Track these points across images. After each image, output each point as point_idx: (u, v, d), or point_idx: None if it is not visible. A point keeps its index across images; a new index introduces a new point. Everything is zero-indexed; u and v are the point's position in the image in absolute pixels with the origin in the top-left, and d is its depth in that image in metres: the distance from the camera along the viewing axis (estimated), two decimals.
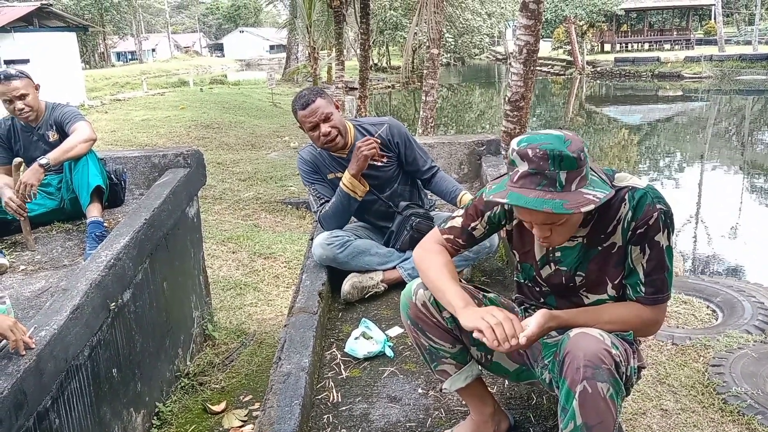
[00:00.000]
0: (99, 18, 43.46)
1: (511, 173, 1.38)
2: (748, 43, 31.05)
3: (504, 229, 1.66)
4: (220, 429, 2.82)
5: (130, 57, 61.13)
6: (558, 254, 1.55)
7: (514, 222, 1.62)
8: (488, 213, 1.62)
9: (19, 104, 2.96)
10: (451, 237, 1.66)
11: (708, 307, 4.56)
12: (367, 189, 2.63)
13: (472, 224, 1.64)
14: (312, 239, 2.72)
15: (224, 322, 3.84)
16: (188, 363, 3.25)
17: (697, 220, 8.65)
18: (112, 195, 3.16)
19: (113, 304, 2.39)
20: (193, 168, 3.41)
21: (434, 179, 2.82)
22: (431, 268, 1.60)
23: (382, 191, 2.74)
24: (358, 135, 2.70)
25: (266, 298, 4.34)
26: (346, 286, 2.51)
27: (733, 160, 12.92)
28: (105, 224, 2.91)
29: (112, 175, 3.16)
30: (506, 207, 1.58)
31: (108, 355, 2.42)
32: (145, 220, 2.72)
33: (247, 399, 3.05)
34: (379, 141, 2.55)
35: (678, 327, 4.17)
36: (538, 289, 1.65)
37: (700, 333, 3.96)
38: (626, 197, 1.45)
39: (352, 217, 2.87)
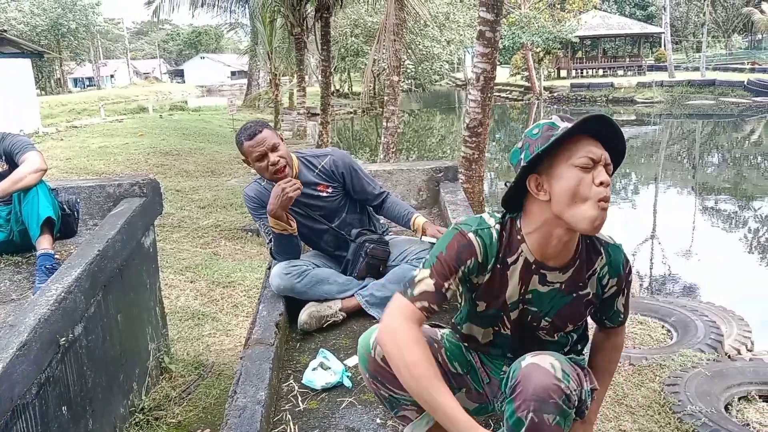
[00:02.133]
0: (56, 44, 42.83)
1: (549, 133, 1.47)
2: (697, 69, 32.29)
3: (472, 283, 1.52)
4: None
5: (87, 83, 60.24)
6: (530, 296, 1.51)
7: (487, 274, 1.50)
8: (462, 268, 1.46)
9: None
10: (426, 305, 1.43)
11: (663, 326, 4.67)
12: (294, 226, 2.61)
13: (446, 284, 1.44)
14: (270, 268, 2.69)
15: (182, 353, 3.76)
16: (143, 397, 3.16)
17: (653, 242, 8.87)
18: (64, 226, 3.08)
19: (63, 339, 2.32)
20: (150, 197, 3.35)
21: (385, 204, 2.81)
22: (412, 367, 1.36)
23: (331, 221, 2.74)
24: (302, 167, 2.71)
25: (225, 328, 4.27)
26: (304, 315, 2.49)
27: (685, 182, 13.35)
28: (56, 256, 2.84)
29: (65, 206, 3.08)
30: (479, 258, 1.47)
31: (57, 393, 2.34)
32: (98, 252, 2.66)
33: None
34: (299, 182, 2.53)
35: (634, 347, 4.25)
36: (497, 328, 1.58)
37: (656, 353, 4.04)
38: (602, 250, 1.54)
39: (308, 246, 2.88)
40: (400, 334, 1.39)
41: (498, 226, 1.51)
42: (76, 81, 60.50)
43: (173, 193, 8.35)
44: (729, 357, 4.24)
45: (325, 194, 2.69)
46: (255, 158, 2.54)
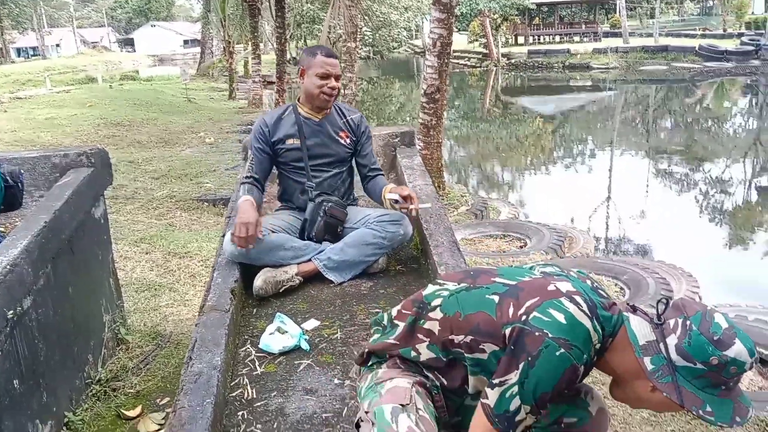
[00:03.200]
0: None
1: (731, 383, 1.22)
2: (650, 35, 32.78)
3: None
4: None
5: (32, 53, 57.76)
6: None
7: None
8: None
9: None
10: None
11: (616, 284, 4.80)
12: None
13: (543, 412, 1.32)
14: (224, 236, 2.66)
15: (138, 324, 3.70)
16: (100, 369, 3.10)
17: (608, 205, 9.08)
18: (8, 198, 2.96)
19: (11, 312, 2.25)
20: (98, 167, 3.25)
21: (374, 180, 2.90)
22: None
23: (328, 168, 2.86)
24: (334, 111, 2.90)
25: (182, 298, 4.21)
26: (258, 281, 2.47)
27: (639, 146, 13.64)
28: (1, 229, 2.74)
29: (7, 177, 2.96)
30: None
31: (7, 367, 2.28)
32: (45, 223, 2.57)
33: (164, 402, 2.94)
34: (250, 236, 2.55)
35: None
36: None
37: None
38: None
39: (270, 207, 2.90)
40: None
41: (599, 347, 1.31)
42: (19, 51, 57.95)
43: (126, 165, 8.13)
44: None
45: (343, 142, 2.86)
46: (319, 74, 2.72)
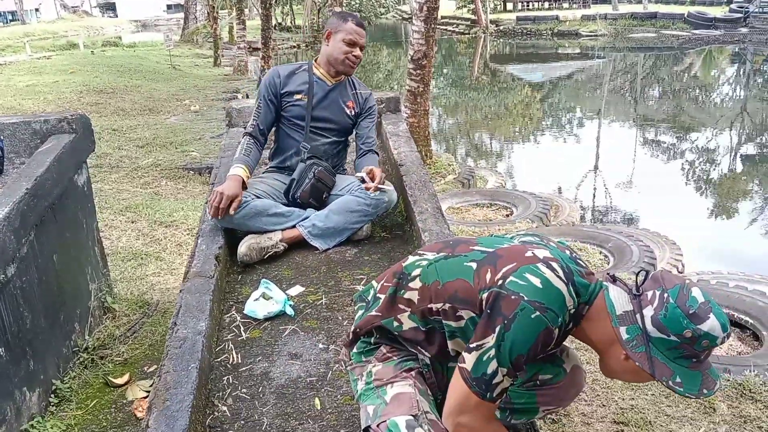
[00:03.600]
0: None
1: (702, 356, 1.24)
2: (639, 2, 32.55)
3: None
4: (124, 401, 2.74)
5: (10, 18, 56.32)
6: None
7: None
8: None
9: None
10: (503, 396, 1.36)
11: (601, 252, 4.85)
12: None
13: (519, 374, 1.36)
14: (207, 201, 2.65)
15: (125, 293, 3.70)
16: (87, 337, 3.11)
17: (595, 174, 9.12)
18: None
19: None
20: (80, 134, 3.21)
21: (365, 157, 2.91)
22: None
23: (327, 133, 2.89)
24: (347, 81, 2.95)
25: (169, 267, 4.21)
26: (243, 247, 2.48)
27: (627, 115, 13.65)
28: None
29: None
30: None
31: None
32: (27, 190, 2.55)
33: (151, 370, 2.96)
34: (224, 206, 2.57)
35: None
36: None
37: None
38: None
39: (258, 170, 2.96)
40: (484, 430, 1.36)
41: (573, 312, 1.32)
42: None
43: (110, 133, 8.03)
44: None
45: (348, 111, 2.91)
46: (347, 41, 2.76)
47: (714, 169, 9.33)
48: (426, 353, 1.49)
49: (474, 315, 1.35)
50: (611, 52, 24.34)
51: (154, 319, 3.45)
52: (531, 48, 26.82)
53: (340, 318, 2.08)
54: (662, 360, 1.22)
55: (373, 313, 1.49)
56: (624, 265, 4.45)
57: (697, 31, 25.91)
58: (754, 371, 3.09)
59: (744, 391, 3.05)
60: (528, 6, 36.17)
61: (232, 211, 2.50)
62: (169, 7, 60.12)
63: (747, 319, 3.78)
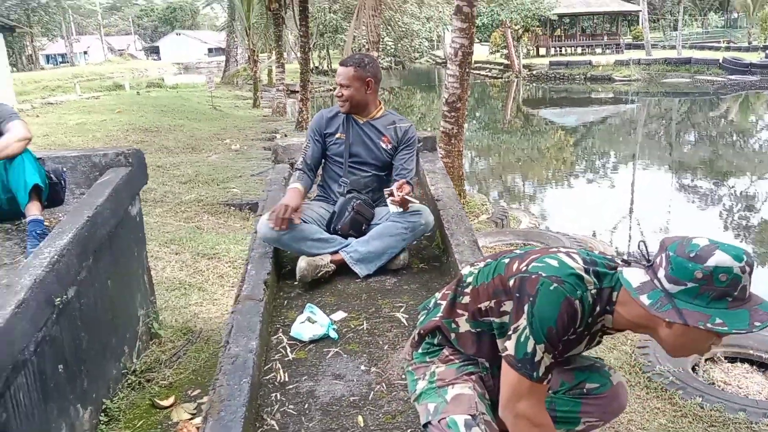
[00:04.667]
0: (26, 19, 41.80)
1: (734, 292, 1.27)
2: (673, 47, 32.58)
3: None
4: (169, 423, 2.85)
5: (60, 60, 58.97)
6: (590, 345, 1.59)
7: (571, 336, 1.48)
8: (567, 335, 1.43)
9: None
10: (549, 376, 1.44)
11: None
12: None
13: (557, 351, 1.43)
14: (258, 222, 2.83)
15: (170, 320, 3.84)
16: (134, 360, 3.26)
17: (630, 217, 9.08)
18: (51, 194, 3.14)
19: (58, 299, 2.40)
20: (135, 167, 3.42)
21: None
22: None
23: (365, 167, 3.05)
24: (383, 115, 3.13)
25: (211, 297, 4.35)
26: (302, 263, 2.67)
27: (662, 160, 13.58)
28: (45, 223, 2.90)
29: (51, 175, 3.14)
30: (576, 324, 1.41)
31: (53, 352, 2.43)
32: (88, 218, 2.73)
33: (195, 393, 3.08)
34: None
35: None
36: None
37: None
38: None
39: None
40: (534, 414, 1.44)
41: (595, 292, 1.42)
42: (48, 57, 59.24)
43: (154, 169, 8.34)
44: None
45: (383, 146, 3.06)
46: (336, 83, 3.04)
47: (753, 216, 9.20)
48: (481, 358, 1.60)
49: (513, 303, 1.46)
50: (645, 97, 24.33)
51: (197, 346, 3.58)
52: (564, 92, 26.98)
53: (380, 342, 2.19)
54: (694, 309, 1.26)
55: (436, 318, 1.63)
56: None
57: (732, 77, 25.77)
58: None
59: None
60: (561, 51, 36.53)
61: (297, 221, 2.72)
62: (210, 50, 62.33)
63: None
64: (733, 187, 10.83)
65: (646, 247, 1.41)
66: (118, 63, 47.53)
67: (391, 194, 2.79)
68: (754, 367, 3.60)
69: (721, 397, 3.10)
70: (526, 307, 1.39)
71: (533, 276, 1.40)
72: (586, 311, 1.40)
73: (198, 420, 2.83)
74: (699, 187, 10.97)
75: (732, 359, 3.68)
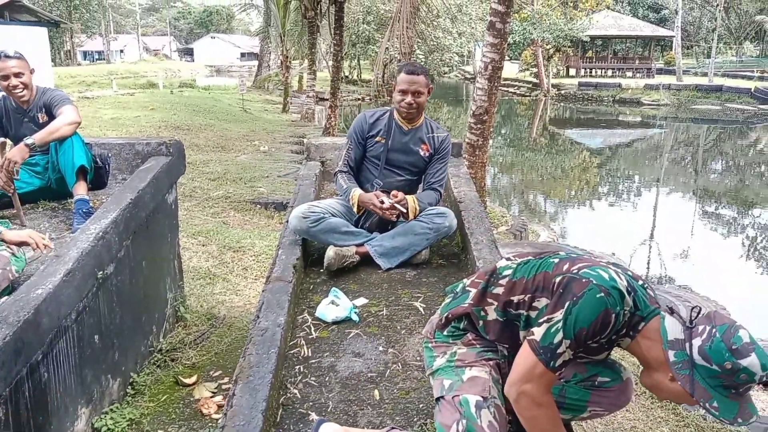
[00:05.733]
0: (67, 15, 42.87)
1: (741, 389, 1.41)
2: (705, 74, 32.36)
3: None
4: (191, 399, 3.00)
5: (97, 56, 60.33)
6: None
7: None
8: (590, 342, 1.54)
9: (14, 81, 3.12)
10: (563, 369, 1.56)
11: None
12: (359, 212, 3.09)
13: (578, 351, 1.55)
14: (289, 213, 2.99)
15: (195, 306, 4.02)
16: (161, 340, 3.43)
17: (651, 243, 9.09)
18: (96, 177, 3.33)
19: (100, 273, 2.58)
20: (174, 157, 3.61)
21: (427, 191, 3.17)
22: (551, 426, 1.58)
23: (400, 172, 3.17)
24: (423, 125, 3.22)
25: (235, 288, 4.52)
26: (330, 252, 2.82)
27: (687, 186, 13.53)
28: (90, 204, 3.09)
29: (97, 159, 3.33)
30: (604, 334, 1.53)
31: (92, 322, 2.60)
32: (131, 200, 2.92)
33: (216, 374, 3.24)
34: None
35: None
36: None
37: None
38: None
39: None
40: (540, 396, 1.55)
41: (629, 315, 1.52)
42: (85, 54, 60.64)
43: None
44: None
45: (422, 153, 3.17)
46: (400, 90, 3.05)
47: None
48: (503, 345, 1.72)
49: (548, 302, 1.57)
50: (673, 122, 24.20)
51: (220, 331, 3.74)
52: (591, 114, 26.94)
53: (398, 327, 2.33)
54: (703, 385, 1.39)
55: (465, 304, 1.74)
56: None
57: (764, 107, 25.53)
58: None
59: None
60: (591, 73, 36.46)
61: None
62: (242, 55, 63.27)
63: None
64: (757, 216, 10.77)
65: (699, 313, 1.51)
66: (152, 63, 48.53)
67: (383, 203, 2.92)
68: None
69: None
70: (567, 304, 1.49)
71: (584, 280, 1.50)
72: (617, 327, 1.50)
73: (219, 398, 2.99)
74: (723, 215, 10.93)
75: None
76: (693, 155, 17.68)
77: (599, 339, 1.52)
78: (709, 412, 1.41)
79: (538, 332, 1.53)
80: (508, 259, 1.80)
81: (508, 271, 1.71)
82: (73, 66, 41.50)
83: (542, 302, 1.59)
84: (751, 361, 1.36)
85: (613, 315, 1.48)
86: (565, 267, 1.59)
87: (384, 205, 2.91)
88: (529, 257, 1.73)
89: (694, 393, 1.40)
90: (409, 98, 3.03)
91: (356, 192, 3.01)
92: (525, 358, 1.55)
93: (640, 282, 1.60)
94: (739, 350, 1.37)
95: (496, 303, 1.69)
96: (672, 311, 1.54)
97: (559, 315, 1.50)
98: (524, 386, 1.54)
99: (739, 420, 1.40)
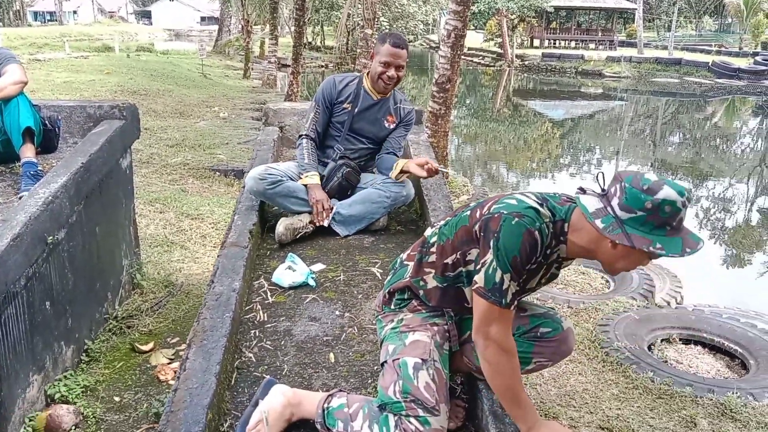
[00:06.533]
0: None
1: (673, 222, 1.46)
2: (665, 47, 32.85)
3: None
4: (148, 366, 2.98)
5: (48, 17, 57.96)
6: (543, 280, 1.74)
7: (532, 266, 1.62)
8: (529, 265, 1.58)
9: None
10: (515, 302, 1.60)
11: (602, 277, 5.05)
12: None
13: (521, 279, 1.59)
14: (247, 173, 2.95)
15: (152, 273, 3.96)
16: (117, 307, 3.38)
17: None
18: (45, 141, 3.22)
19: (50, 238, 2.51)
20: (128, 120, 3.51)
21: (386, 156, 3.14)
22: (515, 369, 1.62)
23: (363, 140, 3.13)
24: (392, 95, 3.17)
25: (193, 255, 4.46)
26: (280, 227, 2.77)
27: (645, 158, 13.80)
28: (39, 168, 2.99)
29: (46, 121, 3.22)
30: (537, 254, 1.57)
31: (42, 288, 2.54)
32: (82, 164, 2.83)
33: (174, 341, 3.21)
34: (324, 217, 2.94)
35: (574, 293, 4.61)
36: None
37: (593, 299, 4.40)
38: None
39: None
40: (504, 340, 1.59)
41: (550, 224, 1.58)
42: (36, 14, 58.22)
43: (142, 131, 8.35)
44: (657, 306, 4.64)
45: (386, 124, 3.14)
46: (382, 62, 2.97)
47: (728, 218, 9.44)
48: (446, 309, 1.76)
49: (477, 250, 1.62)
50: (633, 95, 24.57)
51: (177, 298, 3.70)
52: (554, 85, 27.14)
53: (355, 292, 2.34)
54: (639, 234, 1.45)
55: (406, 278, 1.79)
56: (623, 290, 4.64)
57: (720, 80, 26.12)
58: (736, 393, 3.25)
59: (725, 411, 3.22)
60: (555, 44, 36.66)
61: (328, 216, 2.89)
62: (203, 19, 61.58)
63: (736, 348, 3.94)
64: (711, 189, 11.07)
65: (603, 178, 1.58)
66: (107, 25, 46.83)
67: (427, 163, 2.83)
68: (706, 349, 3.81)
69: (672, 373, 3.30)
70: (491, 243, 1.54)
71: (495, 215, 1.57)
72: (544, 241, 1.57)
73: (176, 365, 2.97)
74: None
75: (686, 341, 3.89)
76: (652, 128, 18.01)
77: (536, 259, 1.57)
78: (656, 255, 1.47)
79: (479, 278, 1.57)
80: (432, 226, 1.84)
81: (434, 238, 1.76)
82: (23, 27, 39.78)
83: (473, 253, 1.64)
84: (667, 192, 1.44)
85: (536, 231, 1.54)
86: (478, 213, 1.64)
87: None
88: (448, 218, 1.78)
89: (635, 244, 1.45)
90: (392, 71, 2.98)
91: (313, 179, 2.96)
92: (479, 306, 1.59)
93: (547, 194, 1.67)
94: (651, 188, 1.44)
95: (433, 271, 1.74)
96: (583, 191, 1.61)
97: (489, 255, 1.55)
98: (489, 330, 1.58)
99: (688, 250, 1.45)
